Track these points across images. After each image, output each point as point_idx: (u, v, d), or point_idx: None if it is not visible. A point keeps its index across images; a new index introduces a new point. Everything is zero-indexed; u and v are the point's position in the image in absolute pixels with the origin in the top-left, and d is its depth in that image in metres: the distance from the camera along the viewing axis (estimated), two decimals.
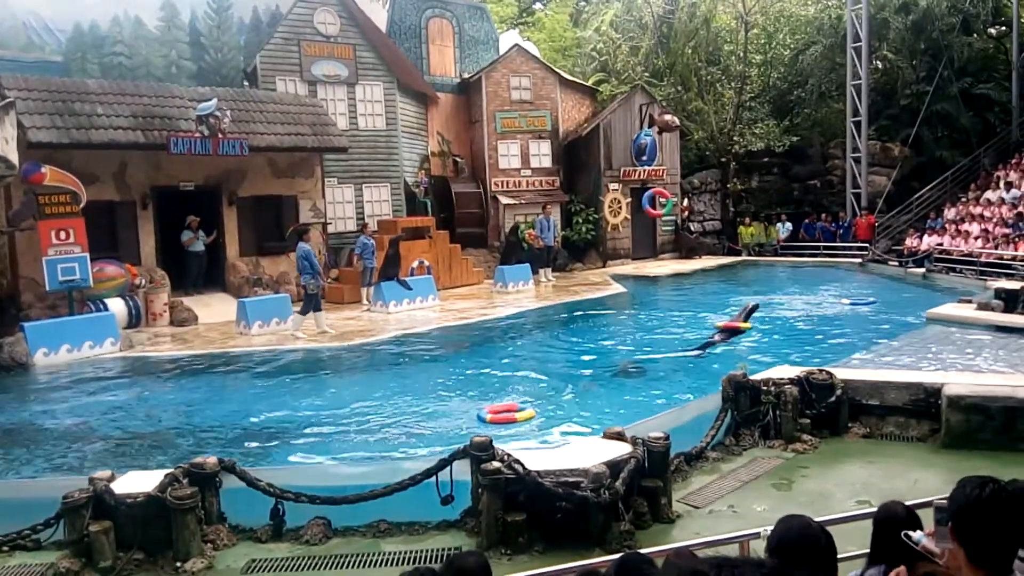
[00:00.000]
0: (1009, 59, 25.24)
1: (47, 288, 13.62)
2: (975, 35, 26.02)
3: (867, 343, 11.78)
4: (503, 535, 5.21)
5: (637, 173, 23.97)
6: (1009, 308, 12.45)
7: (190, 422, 9.21)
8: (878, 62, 26.68)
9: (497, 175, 22.94)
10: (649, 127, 23.84)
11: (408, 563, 5.07)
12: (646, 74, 27.09)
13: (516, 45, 24.01)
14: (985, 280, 16.30)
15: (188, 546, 5.18)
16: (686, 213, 25.71)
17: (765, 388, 7.22)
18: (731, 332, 12.13)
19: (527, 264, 19.59)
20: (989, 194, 21.02)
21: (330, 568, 5.11)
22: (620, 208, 23.89)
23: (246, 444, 8.20)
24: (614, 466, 5.39)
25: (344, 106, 20.28)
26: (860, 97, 23.77)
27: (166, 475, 5.39)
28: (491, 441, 5.53)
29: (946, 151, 24.87)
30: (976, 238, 19.14)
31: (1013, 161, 22.39)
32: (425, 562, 5.07)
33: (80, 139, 14.66)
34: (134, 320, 14.69)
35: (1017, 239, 18.04)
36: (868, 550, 2.98)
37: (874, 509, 3.14)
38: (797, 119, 27.68)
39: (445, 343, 13.58)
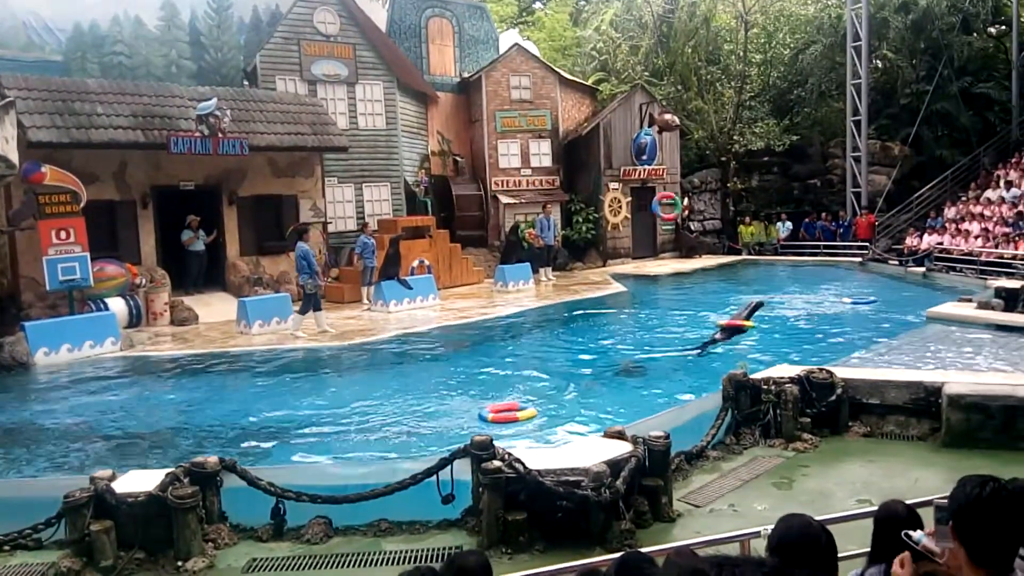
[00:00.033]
0: (1009, 58, 25.25)
1: (47, 288, 13.62)
2: (975, 34, 26.03)
3: (867, 342, 11.78)
4: (504, 534, 5.21)
5: (637, 172, 23.97)
6: (1009, 307, 12.45)
7: (191, 421, 9.22)
8: (878, 61, 26.68)
9: (497, 174, 22.94)
10: (649, 126, 23.84)
11: (409, 562, 5.07)
12: (646, 73, 27.08)
13: (516, 44, 24.01)
14: (985, 279, 16.29)
15: (189, 545, 5.18)
16: (686, 212, 25.71)
17: (765, 387, 7.23)
18: (733, 331, 12.12)
19: (527, 263, 19.59)
20: (989, 193, 21.02)
21: (331, 567, 5.11)
22: (620, 207, 23.89)
23: (247, 443, 8.20)
24: (615, 465, 5.39)
25: (344, 105, 20.28)
26: (860, 96, 23.78)
27: (167, 474, 5.39)
28: (491, 440, 5.54)
29: (946, 150, 24.87)
30: (976, 237, 19.14)
31: (1013, 160, 22.39)
32: (426, 561, 5.07)
33: (80, 139, 14.66)
34: (134, 319, 14.70)
35: (1017, 238, 18.04)
36: (869, 549, 2.98)
37: (874, 508, 3.14)
38: (797, 118, 27.68)
39: (445, 342, 13.58)
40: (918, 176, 24.51)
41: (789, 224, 25.11)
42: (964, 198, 21.88)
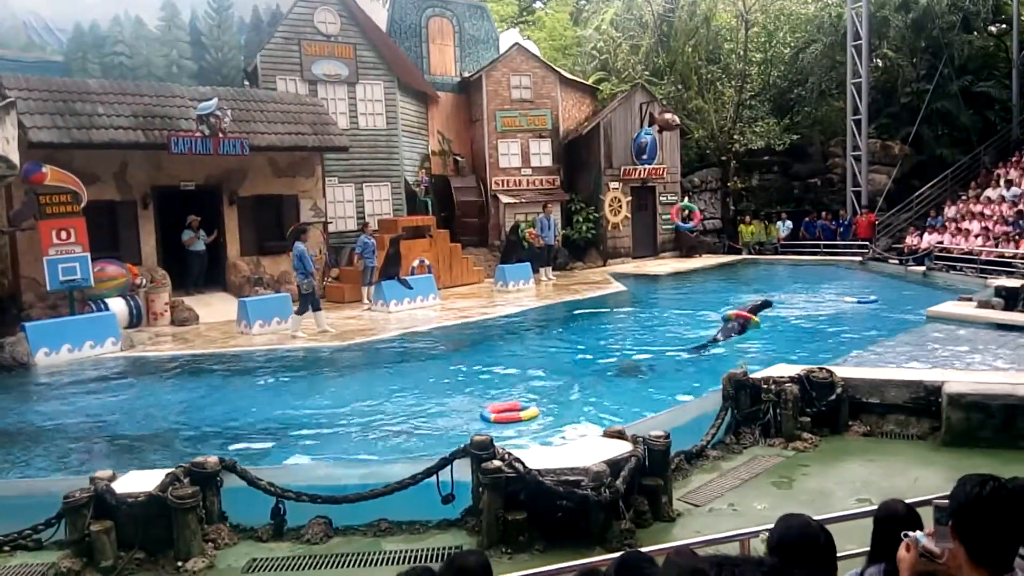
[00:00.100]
0: (1009, 57, 25.24)
1: (48, 288, 13.63)
2: (975, 33, 26.01)
3: (867, 341, 11.78)
4: (504, 534, 5.21)
5: (637, 172, 23.97)
6: (1009, 306, 12.45)
7: (191, 421, 9.22)
8: (878, 60, 26.66)
9: (497, 174, 22.94)
10: (649, 126, 23.84)
11: (409, 562, 5.07)
12: (646, 73, 27.07)
13: (516, 44, 24.00)
14: (985, 278, 16.29)
15: (189, 545, 5.18)
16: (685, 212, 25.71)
17: (765, 386, 7.23)
18: (736, 329, 12.13)
19: (527, 263, 19.59)
20: (989, 192, 21.01)
21: (331, 567, 5.11)
22: (620, 207, 23.89)
23: (247, 443, 8.21)
24: (615, 465, 5.39)
25: (344, 105, 20.28)
26: (860, 95, 23.77)
27: (167, 474, 5.39)
28: (491, 440, 5.54)
29: (946, 149, 24.86)
30: (976, 236, 19.13)
31: (1013, 159, 22.38)
32: (426, 561, 5.07)
33: (81, 139, 14.66)
34: (135, 320, 14.71)
35: (1017, 237, 18.03)
36: (868, 548, 2.98)
37: (874, 507, 3.14)
38: (797, 117, 27.67)
39: (446, 342, 13.59)
40: (918, 175, 24.50)
41: (789, 223, 25.10)
42: (964, 197, 21.87)
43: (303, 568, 5.11)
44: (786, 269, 22.36)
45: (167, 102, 16.34)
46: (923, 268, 18.90)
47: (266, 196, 17.94)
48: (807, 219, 25.02)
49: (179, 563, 5.14)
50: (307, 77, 19.70)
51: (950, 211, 21.33)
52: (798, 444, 6.90)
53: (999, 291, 13.02)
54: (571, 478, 5.28)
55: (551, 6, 35.71)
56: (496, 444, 5.53)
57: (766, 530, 2.84)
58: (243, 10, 20.71)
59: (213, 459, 5.64)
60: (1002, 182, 21.00)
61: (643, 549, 3.54)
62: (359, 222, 19.73)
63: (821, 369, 7.56)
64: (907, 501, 3.07)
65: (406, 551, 5.25)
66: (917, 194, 23.31)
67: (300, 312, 13.95)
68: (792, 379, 7.29)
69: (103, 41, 18.45)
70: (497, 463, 5.29)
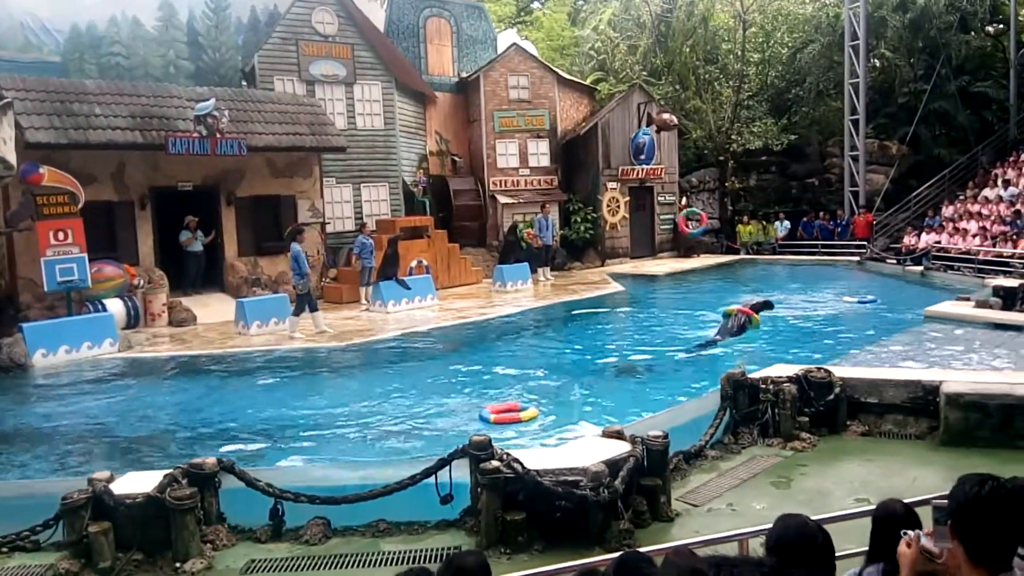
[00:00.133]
0: (1007, 57, 25.24)
1: (45, 289, 13.61)
2: (973, 33, 26.02)
3: (865, 341, 11.79)
4: (502, 534, 5.21)
5: (635, 172, 23.98)
6: (1007, 306, 12.47)
7: (189, 422, 9.22)
8: (876, 60, 26.68)
9: (495, 174, 22.93)
10: (647, 126, 23.85)
11: (408, 562, 5.07)
12: (644, 73, 27.08)
13: (514, 44, 24.00)
14: (983, 278, 16.31)
15: (187, 546, 5.18)
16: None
17: (764, 386, 7.23)
18: (735, 329, 12.14)
19: (526, 263, 19.59)
20: (987, 192, 21.03)
21: (330, 568, 5.11)
22: (618, 207, 23.89)
23: (245, 444, 8.20)
24: (613, 465, 5.39)
25: (342, 106, 20.27)
26: (858, 95, 23.79)
27: (165, 475, 5.39)
28: (490, 440, 5.54)
29: (944, 149, 24.88)
30: (974, 236, 19.15)
31: (1011, 159, 22.40)
32: (425, 562, 5.07)
33: (78, 139, 14.64)
34: (132, 320, 14.69)
35: (1015, 237, 18.05)
36: (867, 548, 2.98)
37: (873, 507, 3.14)
38: (795, 117, 27.67)
39: (444, 342, 13.59)
40: (916, 175, 24.51)
41: (787, 223, 25.11)
42: (962, 197, 21.88)
43: (302, 569, 5.11)
44: (784, 269, 22.38)
45: (164, 102, 16.32)
46: (921, 268, 18.92)
47: (264, 197, 17.93)
48: (805, 219, 25.02)
49: (177, 564, 5.14)
50: (305, 77, 19.69)
51: (948, 211, 21.34)
52: (796, 444, 6.90)
53: (997, 291, 13.05)
54: (570, 478, 5.28)
55: (549, 6, 35.70)
56: (494, 444, 5.53)
57: (765, 530, 2.84)
58: (240, 10, 20.68)
59: (211, 460, 5.64)
60: (999, 182, 21.02)
61: (642, 549, 3.55)
62: (357, 222, 19.72)
63: (819, 369, 7.56)
64: (905, 501, 3.08)
65: (405, 552, 5.24)
66: (915, 194, 23.33)
67: (297, 313, 13.94)
68: (790, 379, 7.30)
69: (100, 41, 18.41)
70: (495, 463, 5.29)
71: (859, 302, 15.68)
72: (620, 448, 5.70)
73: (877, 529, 2.94)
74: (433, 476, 5.56)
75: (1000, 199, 20.22)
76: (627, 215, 24.11)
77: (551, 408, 8.99)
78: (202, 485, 5.43)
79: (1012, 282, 13.63)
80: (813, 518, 2.80)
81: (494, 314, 15.78)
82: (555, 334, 14.44)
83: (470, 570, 2.78)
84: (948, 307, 12.99)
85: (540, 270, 20.29)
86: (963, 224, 19.81)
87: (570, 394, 9.75)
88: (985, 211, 19.97)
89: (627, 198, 24.05)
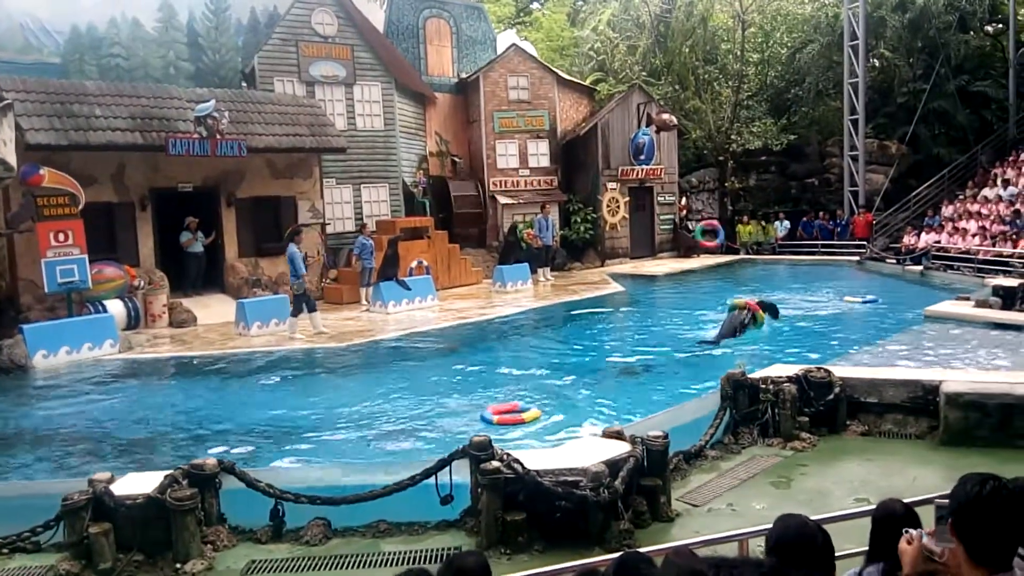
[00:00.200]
0: (1006, 56, 25.24)
1: (46, 290, 13.61)
2: (972, 33, 26.02)
3: (865, 341, 11.80)
4: (503, 534, 5.21)
5: (635, 172, 23.99)
6: (1007, 305, 12.47)
7: (189, 423, 9.22)
8: (875, 60, 26.68)
9: (495, 175, 22.94)
10: (647, 126, 23.85)
11: (408, 563, 5.08)
12: (643, 73, 27.08)
13: (514, 45, 24.01)
14: (983, 277, 16.31)
15: (188, 547, 5.18)
16: (684, 212, 25.75)
17: (764, 386, 7.23)
18: (738, 327, 12.15)
19: (526, 264, 19.59)
20: (986, 191, 21.03)
21: (330, 568, 5.11)
22: (618, 207, 23.90)
23: (245, 445, 8.21)
24: (613, 465, 5.40)
25: (342, 106, 20.27)
26: (857, 95, 23.79)
27: (166, 476, 5.39)
28: (490, 441, 5.54)
29: (943, 149, 24.88)
30: (973, 235, 19.15)
31: (1010, 158, 22.40)
32: (425, 562, 5.07)
33: (78, 141, 14.65)
34: (133, 321, 14.69)
35: (1014, 236, 18.05)
36: (866, 548, 2.98)
37: (872, 507, 3.14)
38: (794, 117, 27.67)
39: (445, 343, 13.58)
40: (915, 175, 24.52)
41: (787, 223, 25.11)
42: (961, 196, 21.88)
43: (302, 570, 5.11)
44: (784, 269, 22.39)
45: (164, 104, 16.33)
46: (920, 268, 18.92)
47: (264, 197, 17.93)
48: (804, 219, 25.02)
49: (178, 565, 5.14)
50: (304, 78, 19.69)
51: (947, 210, 21.34)
52: (796, 444, 6.91)
53: (996, 290, 13.04)
54: (570, 479, 5.28)
55: (548, 7, 35.70)
56: (495, 445, 5.54)
57: (765, 530, 2.85)
58: (240, 11, 20.69)
59: (212, 461, 5.65)
60: (999, 181, 21.02)
61: (642, 549, 3.55)
62: (357, 223, 19.72)
63: (819, 369, 7.57)
64: (905, 500, 3.08)
65: (405, 552, 5.25)
66: (914, 194, 23.33)
67: (295, 314, 13.95)
68: (790, 379, 7.30)
69: (100, 43, 18.42)
70: (496, 464, 5.29)
71: (863, 302, 15.66)
72: (620, 448, 5.70)
73: (877, 529, 2.95)
74: (433, 477, 5.56)
75: (999, 198, 20.22)
76: (627, 215, 24.12)
77: (552, 409, 8.99)
78: (203, 486, 5.43)
79: (1012, 282, 13.63)
80: (813, 518, 2.80)
81: (494, 315, 15.79)
82: (555, 334, 14.44)
83: (470, 570, 2.79)
84: (948, 307, 12.99)
85: (540, 270, 20.29)
86: (963, 224, 19.81)
87: (571, 394, 9.74)
88: (984, 211, 19.98)
89: (627, 198, 24.06)
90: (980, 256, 18.21)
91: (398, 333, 14.11)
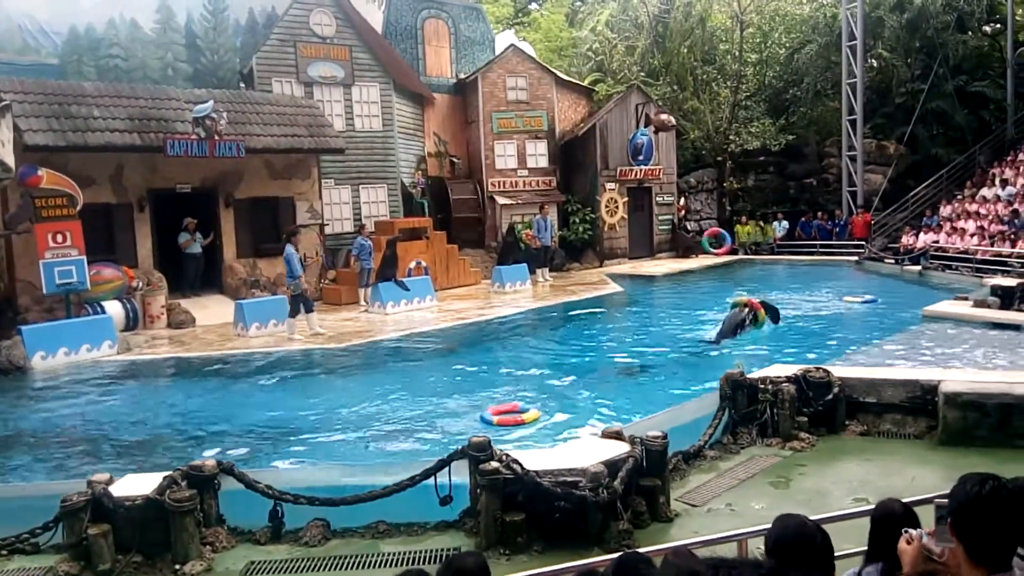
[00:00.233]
0: (1004, 56, 25.29)
1: (44, 291, 13.61)
2: (970, 33, 26.05)
3: (863, 341, 11.81)
4: (502, 535, 5.21)
5: (634, 172, 24.00)
6: (1005, 305, 12.48)
7: (188, 424, 9.21)
8: (873, 60, 26.70)
9: (494, 175, 22.94)
10: (645, 126, 23.86)
11: (407, 564, 5.08)
12: (642, 74, 27.10)
13: (512, 45, 24.01)
14: (981, 277, 16.32)
15: (187, 548, 5.18)
16: (682, 212, 25.75)
17: (762, 386, 7.24)
18: (738, 327, 12.17)
19: (524, 264, 19.59)
20: (984, 191, 21.07)
21: (329, 569, 5.11)
22: (617, 208, 23.90)
23: (244, 446, 8.20)
24: (612, 465, 5.40)
25: (340, 107, 20.27)
26: (855, 95, 23.81)
27: (164, 477, 5.39)
28: (489, 441, 5.54)
29: (941, 149, 24.90)
30: (972, 235, 19.17)
31: (1008, 158, 22.44)
32: (424, 563, 5.07)
33: (76, 142, 14.64)
34: (131, 323, 14.68)
35: (1013, 236, 18.07)
36: (865, 548, 2.99)
37: (871, 507, 3.15)
38: (793, 118, 27.70)
39: (443, 344, 13.58)
40: (913, 175, 24.53)
41: (785, 223, 25.12)
42: (959, 196, 21.91)
43: (301, 571, 5.11)
44: (782, 269, 22.39)
45: (163, 105, 16.33)
46: (919, 268, 18.93)
47: (262, 198, 17.92)
48: (803, 219, 25.01)
49: (177, 566, 5.14)
50: (303, 79, 19.69)
51: (945, 210, 21.37)
52: (795, 444, 6.91)
53: (995, 290, 13.05)
54: (569, 479, 5.28)
55: (547, 7, 35.71)
56: (494, 445, 5.54)
57: (764, 530, 2.85)
58: (239, 12, 20.67)
59: (211, 462, 5.64)
60: (997, 181, 21.05)
61: (641, 550, 3.55)
62: (356, 224, 19.72)
63: (818, 369, 7.57)
64: (904, 500, 3.09)
65: (404, 553, 5.25)
66: (912, 194, 23.35)
67: (292, 314, 13.94)
68: (789, 379, 7.31)
69: (98, 44, 18.39)
70: (495, 464, 5.29)
71: (863, 302, 15.64)
72: (619, 449, 5.70)
73: (876, 529, 2.95)
74: (432, 477, 5.56)
75: (998, 198, 20.25)
76: (625, 216, 24.12)
77: (552, 409, 8.99)
78: (201, 487, 5.43)
79: (1010, 281, 13.64)
80: (812, 518, 2.80)
81: (493, 315, 15.79)
82: (554, 335, 14.44)
83: (469, 571, 2.79)
84: (946, 307, 13.01)
85: (539, 271, 20.29)
86: (961, 223, 19.84)
87: (570, 395, 9.74)
88: (983, 210, 20.00)
89: (625, 199, 24.06)
90: (978, 256, 18.23)
91: (397, 334, 14.10)
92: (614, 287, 19.24)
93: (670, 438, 5.87)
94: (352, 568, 5.11)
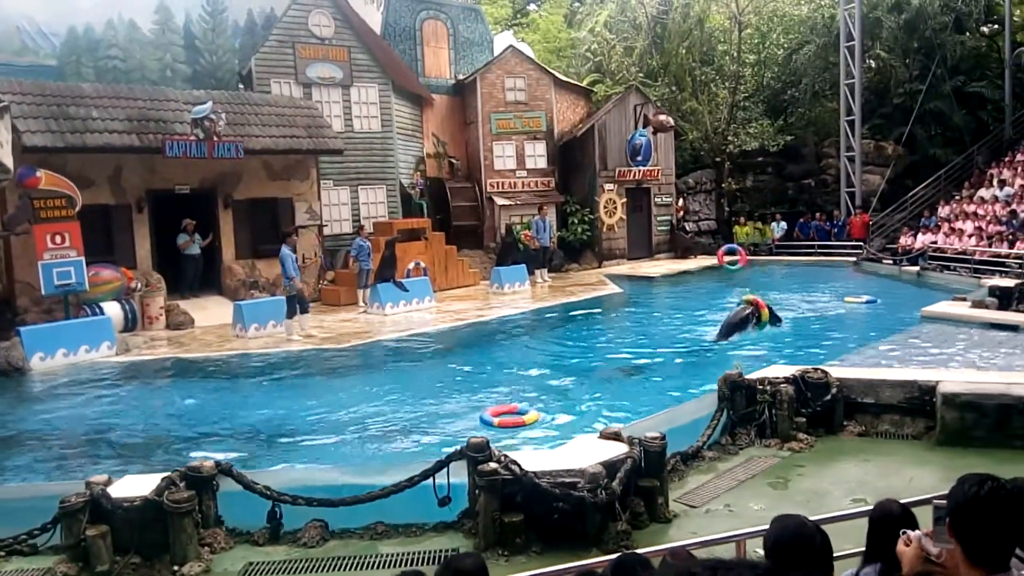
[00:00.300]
0: (1002, 57, 25.31)
1: (43, 292, 13.60)
2: (968, 33, 26.09)
3: (861, 341, 11.81)
4: (500, 536, 5.22)
5: (632, 173, 24.01)
6: (1003, 305, 12.49)
7: (186, 425, 9.21)
8: (871, 61, 26.73)
9: (492, 176, 22.95)
10: (644, 127, 23.87)
11: (405, 564, 5.07)
12: (640, 74, 27.12)
13: (510, 46, 24.01)
14: (979, 278, 16.34)
15: (185, 550, 5.17)
16: (681, 213, 25.77)
17: (761, 387, 7.24)
18: (737, 324, 12.18)
19: (523, 265, 19.59)
20: (982, 192, 21.09)
21: (328, 570, 5.11)
22: (615, 208, 23.91)
23: (243, 447, 8.20)
24: (611, 466, 5.40)
25: (339, 108, 20.27)
26: (853, 96, 23.83)
27: (163, 479, 5.39)
28: (487, 442, 5.54)
29: (939, 149, 24.92)
30: (970, 236, 19.18)
31: (1006, 159, 22.46)
32: (422, 564, 5.07)
33: (75, 143, 14.63)
34: (130, 324, 14.67)
35: (1011, 237, 18.09)
36: (864, 548, 2.99)
37: (870, 507, 3.15)
38: (791, 118, 27.72)
39: (442, 344, 13.58)
40: (912, 175, 24.56)
41: (784, 224, 25.13)
42: (958, 197, 21.93)
43: (300, 571, 5.11)
44: (781, 270, 22.38)
45: (161, 106, 16.32)
46: (917, 268, 18.94)
47: (261, 199, 17.92)
48: (801, 220, 25.02)
49: (175, 567, 5.13)
50: (301, 80, 19.69)
51: (944, 211, 21.39)
52: (794, 445, 6.92)
53: (993, 291, 13.06)
54: (567, 480, 5.28)
55: (545, 8, 35.71)
56: (492, 446, 5.54)
57: (762, 531, 2.85)
58: (237, 13, 20.67)
59: (209, 463, 5.64)
60: (995, 182, 21.07)
61: (639, 551, 3.55)
62: (354, 225, 19.72)
63: (816, 369, 7.58)
64: (902, 501, 3.09)
65: (402, 554, 5.25)
66: (911, 194, 23.37)
67: (289, 315, 13.94)
68: (787, 380, 7.31)
69: (97, 45, 18.39)
70: (493, 465, 5.29)
71: (866, 303, 15.63)
72: (617, 449, 5.70)
73: (874, 529, 2.95)
74: (431, 478, 5.56)
75: (996, 199, 20.26)
76: (624, 216, 24.13)
77: (551, 410, 9.00)
78: (200, 488, 5.43)
79: (1008, 282, 13.65)
80: (810, 519, 2.80)
81: (492, 316, 15.79)
82: (553, 336, 14.44)
83: (468, 572, 2.79)
84: (944, 307, 13.01)
85: (537, 272, 20.30)
86: (959, 224, 19.86)
87: (570, 396, 9.75)
88: (981, 211, 20.02)
89: (624, 199, 24.08)
90: (976, 256, 18.26)
91: (396, 335, 14.10)
92: (613, 288, 19.25)
93: (668, 439, 5.87)
94: (350, 569, 5.11)
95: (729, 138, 26.41)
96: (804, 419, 7.16)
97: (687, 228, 25.84)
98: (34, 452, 8.40)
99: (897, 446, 6.93)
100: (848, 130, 24.20)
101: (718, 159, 26.80)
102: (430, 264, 18.83)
